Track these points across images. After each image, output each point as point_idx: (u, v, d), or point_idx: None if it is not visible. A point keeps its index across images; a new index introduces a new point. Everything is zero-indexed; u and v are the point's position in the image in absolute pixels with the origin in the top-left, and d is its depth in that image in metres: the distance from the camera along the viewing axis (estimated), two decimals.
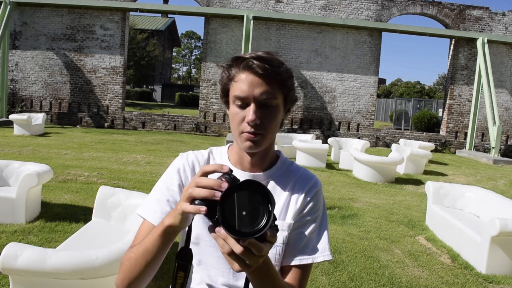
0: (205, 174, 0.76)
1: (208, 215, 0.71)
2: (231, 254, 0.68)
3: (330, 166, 9.18)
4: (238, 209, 0.67)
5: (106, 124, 14.38)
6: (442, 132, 15.02)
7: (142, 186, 5.92)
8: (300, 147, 8.98)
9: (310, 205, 1.01)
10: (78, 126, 14.27)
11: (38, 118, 11.55)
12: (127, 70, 20.82)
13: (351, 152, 8.35)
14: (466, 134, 14.51)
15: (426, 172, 9.21)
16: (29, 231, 3.82)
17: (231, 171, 0.75)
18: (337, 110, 14.47)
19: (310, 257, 0.98)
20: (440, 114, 18.65)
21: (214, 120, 14.39)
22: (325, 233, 1.02)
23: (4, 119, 12.85)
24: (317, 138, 12.76)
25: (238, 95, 0.92)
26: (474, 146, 14.17)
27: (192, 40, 54.23)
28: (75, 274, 2.11)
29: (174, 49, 45.21)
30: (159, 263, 0.89)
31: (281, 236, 0.98)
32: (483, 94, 13.59)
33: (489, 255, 3.61)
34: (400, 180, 8.10)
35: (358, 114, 14.54)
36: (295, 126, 14.36)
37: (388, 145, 14.22)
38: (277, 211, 1.00)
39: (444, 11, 14.46)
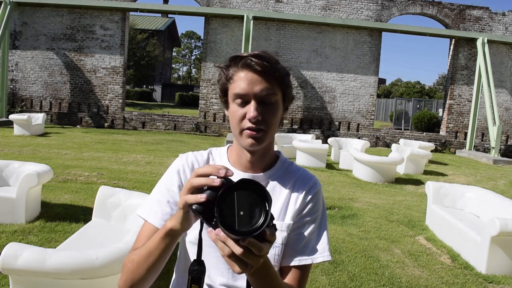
0: (200, 176, 0.76)
1: (206, 218, 0.71)
2: (231, 256, 0.68)
3: (330, 166, 9.18)
4: (235, 209, 0.67)
5: (106, 124, 14.38)
6: (442, 132, 15.02)
7: (142, 186, 5.92)
8: (300, 147, 8.98)
9: (309, 205, 1.01)
10: (78, 126, 14.27)
11: (38, 118, 11.55)
12: (127, 70, 20.82)
13: (351, 152, 8.35)
14: (466, 134, 14.51)
15: (426, 172, 9.22)
16: (29, 231, 3.82)
17: (227, 175, 0.74)
18: (337, 110, 14.47)
19: (310, 257, 0.98)
20: (440, 114, 18.65)
21: (214, 120, 14.39)
22: (325, 233, 1.02)
23: (4, 119, 12.85)
24: (317, 138, 12.76)
25: (238, 93, 0.92)
26: (474, 146, 14.17)
27: (192, 40, 54.24)
28: (75, 274, 2.11)
29: (174, 49, 45.22)
30: (161, 265, 0.89)
31: (280, 236, 0.98)
32: (483, 94, 13.59)
33: (489, 255, 3.61)
34: (400, 180, 8.10)
35: (358, 114, 14.54)
36: (295, 126, 14.36)
37: (388, 145, 14.22)
38: (276, 212, 1.00)
39: (444, 11, 14.46)
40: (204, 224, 0.90)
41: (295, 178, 1.04)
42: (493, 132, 12.83)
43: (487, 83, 13.28)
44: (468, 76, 14.57)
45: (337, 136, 13.76)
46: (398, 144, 12.13)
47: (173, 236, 0.83)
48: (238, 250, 0.67)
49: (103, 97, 14.40)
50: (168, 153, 9.29)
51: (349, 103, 14.48)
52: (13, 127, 11.17)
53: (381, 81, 44.91)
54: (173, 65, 50.78)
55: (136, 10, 14.40)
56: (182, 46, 51.91)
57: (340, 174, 8.31)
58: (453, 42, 14.67)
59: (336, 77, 14.37)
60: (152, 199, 1.02)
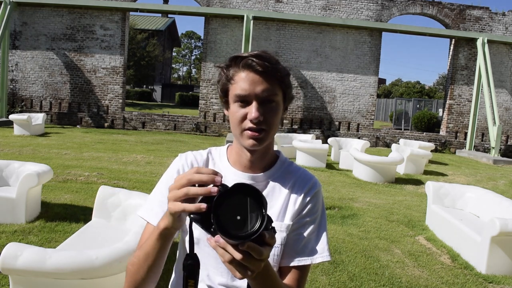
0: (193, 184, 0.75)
1: (204, 227, 0.71)
2: (232, 261, 0.69)
3: (330, 166, 9.18)
4: (231, 214, 0.67)
5: (106, 124, 14.38)
6: (442, 132, 15.02)
7: (142, 186, 5.92)
8: (300, 147, 8.98)
9: (309, 206, 1.01)
10: (78, 126, 14.27)
11: (38, 118, 11.55)
12: (127, 70, 20.82)
13: (351, 152, 8.35)
14: (466, 134, 14.51)
15: (426, 172, 9.21)
16: (29, 231, 3.82)
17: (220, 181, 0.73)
18: (337, 110, 14.47)
19: (309, 258, 0.98)
20: (440, 114, 18.65)
21: (214, 120, 14.39)
22: (324, 234, 1.02)
23: (4, 119, 12.85)
24: (317, 138, 12.76)
25: (239, 93, 0.92)
26: (474, 146, 14.17)
27: (192, 40, 54.23)
28: (75, 274, 2.11)
29: (174, 49, 45.21)
30: (161, 265, 0.90)
31: (280, 237, 0.98)
32: (483, 94, 13.59)
33: (489, 255, 3.61)
34: (400, 180, 8.10)
35: (358, 114, 14.54)
36: (295, 126, 14.36)
37: (388, 145, 14.22)
38: (275, 212, 1.00)
39: (444, 11, 14.46)
40: (194, 221, 0.89)
41: (294, 178, 1.04)
42: (493, 132, 12.82)
43: (487, 83, 13.28)
44: (468, 76, 14.57)
45: (337, 136, 13.76)
46: (398, 144, 12.13)
47: (167, 235, 0.83)
48: (238, 255, 0.67)
49: (103, 97, 14.40)
50: (168, 153, 9.29)
51: (349, 103, 14.48)
52: (13, 127, 11.17)
53: (381, 81, 44.91)
54: (173, 65, 50.78)
55: (136, 10, 14.40)
56: (182, 46, 51.90)
57: (340, 174, 8.30)
58: (453, 42, 14.67)
59: (336, 77, 14.37)
60: (153, 199, 1.02)
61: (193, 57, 55.01)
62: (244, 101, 0.93)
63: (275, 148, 1.09)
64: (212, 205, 0.68)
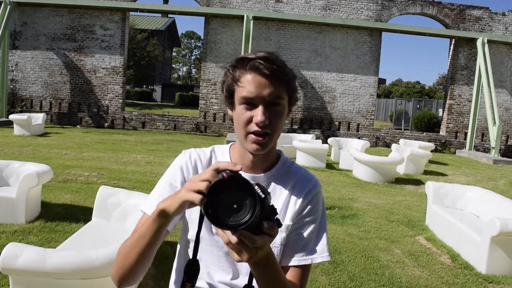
0: (217, 171, 0.76)
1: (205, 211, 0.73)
2: (229, 244, 0.72)
3: (330, 166, 9.18)
4: (226, 203, 0.70)
5: (106, 124, 14.38)
6: (442, 132, 15.02)
7: (142, 186, 5.92)
8: (300, 147, 8.98)
9: (309, 206, 1.01)
10: (78, 126, 14.27)
11: (38, 118, 11.55)
12: (127, 70, 20.82)
13: (351, 152, 8.35)
14: (466, 134, 14.51)
15: (426, 172, 9.21)
16: (29, 231, 3.82)
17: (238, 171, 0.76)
18: (337, 110, 14.47)
19: (309, 257, 0.98)
20: (440, 114, 18.65)
21: (214, 120, 14.39)
22: (324, 234, 1.02)
23: (4, 119, 12.85)
24: (317, 138, 12.76)
25: (246, 96, 0.92)
26: (474, 146, 14.17)
27: (192, 40, 54.21)
28: (75, 274, 2.11)
29: (174, 49, 45.20)
30: (152, 253, 0.89)
31: (279, 237, 0.98)
32: (483, 94, 13.59)
33: (489, 255, 3.61)
34: (400, 180, 8.10)
35: (358, 114, 14.54)
36: (295, 126, 14.36)
37: (388, 145, 14.22)
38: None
39: (444, 11, 14.46)
40: (205, 221, 0.91)
41: (295, 178, 1.04)
42: (493, 132, 12.83)
43: (487, 83, 13.28)
44: (468, 76, 14.57)
45: (337, 136, 13.76)
46: (398, 144, 12.13)
47: (164, 218, 0.82)
48: (233, 239, 0.70)
49: (103, 97, 14.40)
50: (168, 153, 9.29)
51: (349, 103, 14.49)
52: (13, 127, 11.16)
53: (381, 81, 44.91)
54: (173, 65, 50.76)
55: (136, 10, 14.40)
56: (182, 46, 51.88)
57: (340, 174, 8.31)
58: (453, 42, 14.67)
59: (336, 77, 14.37)
60: (155, 194, 1.02)
61: (193, 57, 55.01)
62: (250, 103, 0.92)
63: (276, 148, 1.09)
64: (208, 192, 0.71)
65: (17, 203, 3.97)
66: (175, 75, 56.57)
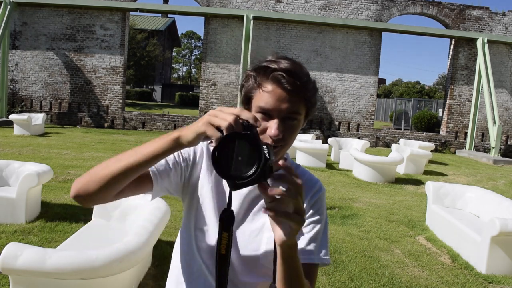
0: (238, 117, 0.76)
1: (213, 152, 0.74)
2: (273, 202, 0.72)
3: (330, 166, 9.18)
4: (232, 152, 0.71)
5: (106, 124, 14.38)
6: (442, 132, 15.02)
7: None
8: (300, 147, 8.97)
9: (312, 209, 1.00)
10: (78, 126, 14.27)
11: (38, 118, 11.55)
12: (127, 70, 20.81)
13: (351, 152, 8.35)
14: (466, 134, 14.51)
15: (426, 172, 9.21)
16: (29, 231, 3.82)
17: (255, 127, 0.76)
18: (337, 110, 14.47)
19: (309, 257, 0.97)
20: (440, 114, 18.65)
21: None
22: (325, 238, 1.01)
23: (4, 119, 12.85)
24: (317, 138, 12.76)
25: (263, 106, 0.90)
26: (474, 146, 14.17)
27: (192, 40, 54.21)
28: (75, 274, 2.11)
29: (174, 49, 45.20)
30: (133, 174, 0.85)
31: None
32: (483, 94, 13.59)
33: (489, 255, 3.61)
34: (400, 180, 8.10)
35: (358, 114, 14.54)
36: None
37: (388, 145, 14.22)
38: None
39: (444, 11, 14.46)
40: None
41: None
42: (493, 132, 12.82)
43: (487, 83, 13.28)
44: (468, 76, 14.57)
45: (337, 136, 13.76)
46: (398, 144, 12.13)
47: (175, 143, 0.80)
48: (278, 191, 0.70)
49: (103, 97, 14.40)
50: None
51: (349, 103, 14.49)
52: (13, 127, 11.17)
53: (381, 81, 44.91)
54: (173, 65, 50.76)
55: (136, 10, 14.40)
56: (182, 46, 51.89)
57: (340, 174, 8.31)
58: (453, 42, 14.67)
59: (336, 77, 14.38)
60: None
61: (193, 57, 55.02)
62: (267, 114, 0.90)
63: None
64: (220, 141, 0.71)
65: (17, 203, 3.97)
66: (175, 75, 56.57)
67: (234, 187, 0.72)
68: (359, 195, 6.55)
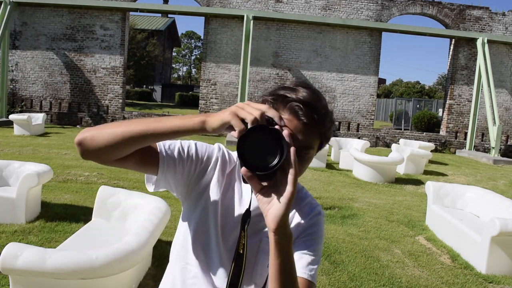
0: (264, 113, 0.78)
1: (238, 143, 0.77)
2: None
3: (330, 166, 9.18)
4: (258, 146, 0.75)
5: None
6: (442, 132, 15.02)
7: (142, 186, 5.91)
8: None
9: (308, 230, 0.98)
10: (78, 126, 14.27)
11: (38, 118, 11.55)
12: (127, 70, 20.82)
13: (351, 152, 8.35)
14: (466, 134, 14.51)
15: (426, 172, 9.21)
16: (29, 231, 3.82)
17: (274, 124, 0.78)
18: (337, 110, 14.47)
19: (305, 272, 0.92)
20: (440, 114, 18.65)
21: None
22: (316, 260, 0.96)
23: (4, 119, 12.85)
24: None
25: None
26: (474, 146, 14.17)
27: (192, 40, 54.20)
28: (75, 274, 2.11)
29: (174, 49, 45.20)
30: (145, 141, 0.84)
31: None
32: (483, 94, 13.59)
33: (489, 255, 3.61)
34: (400, 180, 8.10)
35: (358, 114, 14.54)
36: None
37: (388, 145, 14.22)
38: None
39: (444, 11, 14.46)
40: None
41: (302, 204, 1.01)
42: (493, 132, 12.83)
43: (487, 83, 13.28)
44: (468, 76, 14.57)
45: (337, 136, 13.76)
46: (398, 144, 12.13)
47: (200, 126, 0.80)
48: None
49: (103, 97, 14.40)
50: None
51: (349, 103, 14.49)
52: (13, 127, 11.17)
53: (381, 81, 44.92)
54: (173, 65, 50.76)
55: (136, 10, 14.40)
56: (182, 46, 51.89)
57: (340, 174, 8.30)
58: (453, 42, 14.67)
59: (336, 77, 14.38)
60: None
61: (193, 57, 55.01)
62: None
63: None
64: (246, 132, 0.75)
65: (17, 203, 3.97)
66: (175, 75, 56.56)
67: (258, 177, 0.77)
68: (359, 195, 6.55)
